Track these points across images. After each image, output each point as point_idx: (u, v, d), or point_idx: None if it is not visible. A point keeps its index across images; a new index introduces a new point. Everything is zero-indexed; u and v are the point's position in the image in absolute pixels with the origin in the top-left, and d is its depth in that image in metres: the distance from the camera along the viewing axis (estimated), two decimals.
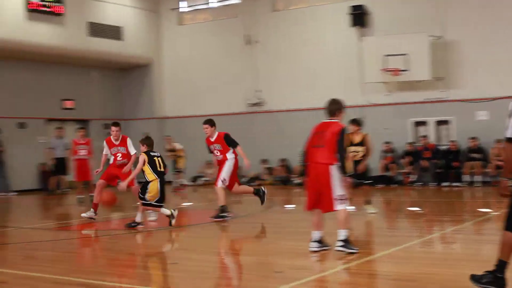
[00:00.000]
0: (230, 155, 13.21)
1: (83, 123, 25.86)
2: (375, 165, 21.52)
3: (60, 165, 21.40)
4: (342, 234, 8.55)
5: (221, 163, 13.23)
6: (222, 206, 13.02)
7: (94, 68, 26.24)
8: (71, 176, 22.17)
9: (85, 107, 25.96)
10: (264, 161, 23.55)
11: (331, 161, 8.57)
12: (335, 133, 8.64)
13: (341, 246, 8.52)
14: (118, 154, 13.50)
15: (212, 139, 13.40)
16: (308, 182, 8.82)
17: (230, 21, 25.33)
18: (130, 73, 27.54)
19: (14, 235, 12.57)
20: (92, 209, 13.48)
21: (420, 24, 20.80)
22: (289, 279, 7.20)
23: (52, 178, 21.84)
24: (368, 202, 13.49)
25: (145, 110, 27.06)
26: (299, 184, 8.63)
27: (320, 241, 8.79)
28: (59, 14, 23.19)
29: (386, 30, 21.53)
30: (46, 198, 20.86)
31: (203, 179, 24.74)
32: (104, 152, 13.72)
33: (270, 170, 23.51)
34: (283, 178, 22.74)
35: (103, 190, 13.34)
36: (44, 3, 22.59)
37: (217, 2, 25.96)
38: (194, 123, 25.46)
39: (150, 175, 11.88)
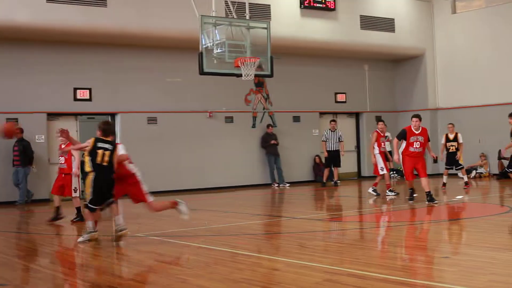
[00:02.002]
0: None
1: (355, 115, 26.21)
2: None
3: (333, 158, 21.82)
4: None
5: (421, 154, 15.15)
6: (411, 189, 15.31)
7: (366, 60, 26.36)
8: (343, 168, 22.71)
9: (357, 100, 26.18)
10: None
11: None
12: None
13: None
14: None
15: (417, 131, 14.95)
16: None
17: (506, 7, 23.99)
18: (402, 65, 27.28)
19: (288, 225, 13.00)
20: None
21: None
22: None
23: (326, 170, 22.31)
24: None
25: (418, 102, 26.61)
26: None
27: None
28: (332, 9, 23.67)
29: None
30: (319, 189, 21.36)
31: (477, 171, 23.81)
32: None
33: None
34: None
35: None
36: None
37: None
38: (467, 114, 24.65)
39: (87, 166, 10.39)
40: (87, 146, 10.34)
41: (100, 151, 10.17)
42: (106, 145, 10.28)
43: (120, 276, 8.29)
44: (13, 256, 10.34)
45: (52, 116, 20.30)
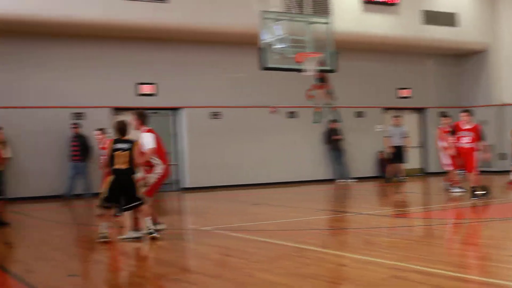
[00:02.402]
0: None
1: (418, 111, 25.92)
2: None
3: (397, 153, 21.62)
4: None
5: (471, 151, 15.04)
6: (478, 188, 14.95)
7: (429, 56, 26.02)
8: (407, 164, 22.45)
9: (421, 96, 25.88)
10: None
11: None
12: None
13: None
14: None
15: (466, 127, 15.19)
16: None
17: None
18: (466, 60, 26.82)
19: (353, 221, 12.94)
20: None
21: None
22: None
23: (390, 166, 22.12)
24: None
25: (483, 97, 26.11)
26: None
27: None
28: (393, 4, 23.44)
29: None
30: (384, 185, 21.19)
31: None
32: None
33: None
34: None
35: None
36: None
37: None
38: None
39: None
40: None
41: (117, 153, 9.96)
42: (124, 145, 10.03)
43: (187, 269, 8.38)
44: (82, 248, 10.58)
45: (117, 110, 20.63)
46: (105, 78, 20.35)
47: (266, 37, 16.87)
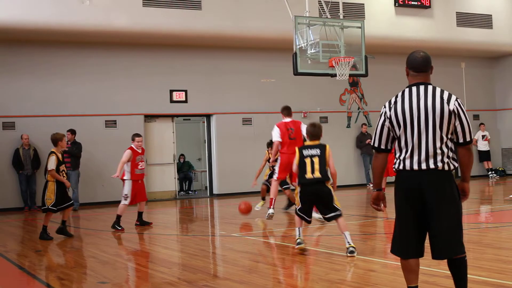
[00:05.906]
0: None
1: None
2: None
3: None
4: None
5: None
6: None
7: (463, 58, 25.76)
8: None
9: None
10: None
11: None
12: None
13: None
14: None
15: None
16: None
17: None
18: (501, 62, 26.52)
19: (383, 225, 12.84)
20: None
21: None
22: None
23: None
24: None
25: None
26: None
27: None
28: (427, 7, 23.26)
29: None
30: None
31: None
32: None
33: None
34: None
35: None
36: None
37: None
38: None
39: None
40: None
41: (307, 160, 9.13)
42: (313, 151, 9.19)
43: (216, 275, 8.39)
44: (114, 255, 10.64)
45: (149, 118, 20.76)
46: (138, 86, 20.47)
47: (299, 42, 16.80)
